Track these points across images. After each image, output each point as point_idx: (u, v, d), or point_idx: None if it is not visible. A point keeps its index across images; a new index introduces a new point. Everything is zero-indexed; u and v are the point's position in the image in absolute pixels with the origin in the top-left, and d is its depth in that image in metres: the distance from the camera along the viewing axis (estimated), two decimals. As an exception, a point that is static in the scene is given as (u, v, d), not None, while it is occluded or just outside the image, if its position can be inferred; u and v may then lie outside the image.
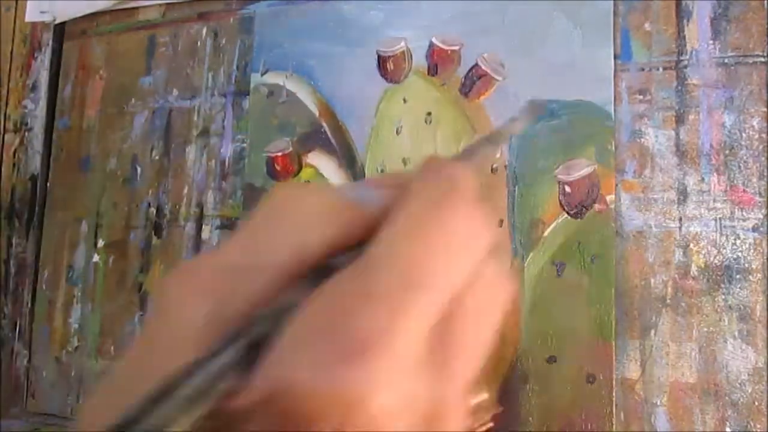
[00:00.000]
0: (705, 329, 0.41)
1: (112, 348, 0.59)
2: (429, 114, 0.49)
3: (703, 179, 0.42)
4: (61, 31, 0.67)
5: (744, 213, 0.41)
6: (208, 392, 0.13)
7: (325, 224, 0.16)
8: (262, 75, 0.56)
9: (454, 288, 0.15)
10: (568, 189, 0.44)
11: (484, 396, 0.18)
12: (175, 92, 0.60)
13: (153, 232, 0.59)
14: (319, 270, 0.15)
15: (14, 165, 0.67)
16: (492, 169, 0.47)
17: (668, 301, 0.42)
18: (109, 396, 0.15)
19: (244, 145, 0.56)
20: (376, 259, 0.14)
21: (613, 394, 0.42)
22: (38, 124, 0.66)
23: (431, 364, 0.15)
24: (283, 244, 0.15)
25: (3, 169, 0.68)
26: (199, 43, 0.60)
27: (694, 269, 0.42)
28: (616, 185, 0.44)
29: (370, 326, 0.13)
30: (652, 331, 0.42)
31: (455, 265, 0.15)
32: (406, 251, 0.14)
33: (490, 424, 0.18)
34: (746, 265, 0.41)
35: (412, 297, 0.14)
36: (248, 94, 0.56)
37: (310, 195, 0.16)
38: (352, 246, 0.15)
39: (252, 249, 0.15)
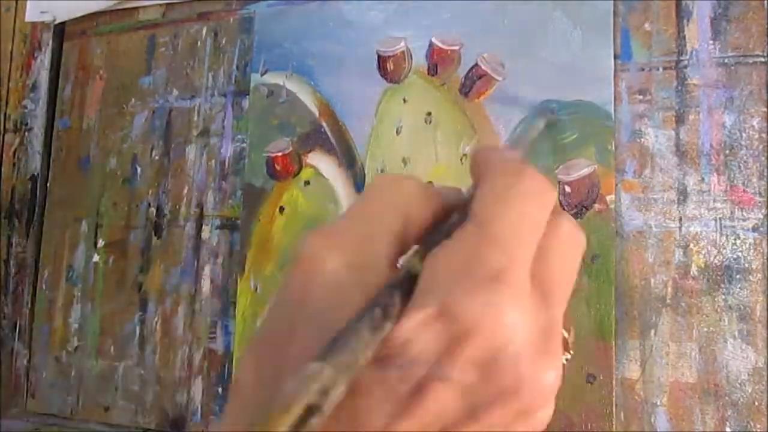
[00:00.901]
0: (705, 329, 0.41)
1: (112, 348, 0.59)
2: (429, 114, 0.49)
3: (703, 179, 0.42)
4: (61, 31, 0.67)
5: (744, 213, 0.41)
6: (382, 326, 0.17)
7: (423, 201, 0.20)
8: (262, 75, 0.56)
9: (540, 233, 0.20)
10: (568, 189, 0.44)
11: (568, 334, 0.22)
12: (175, 92, 0.60)
13: (153, 232, 0.59)
14: (424, 238, 0.20)
15: (14, 165, 0.67)
16: (492, 169, 0.47)
17: (668, 301, 0.42)
18: (269, 345, 0.19)
19: (244, 145, 0.56)
20: (486, 216, 0.19)
21: (613, 394, 0.42)
22: (38, 124, 0.66)
23: (535, 294, 0.19)
24: (394, 214, 0.20)
25: (3, 169, 0.68)
26: (199, 43, 0.60)
27: (694, 269, 0.42)
28: (616, 185, 0.44)
29: (499, 263, 0.18)
30: (652, 331, 0.42)
31: (540, 215, 0.20)
32: (504, 207, 0.19)
33: (568, 356, 0.23)
34: (746, 265, 0.41)
35: (519, 240, 0.19)
36: (248, 94, 0.56)
37: (407, 180, 0.21)
38: (438, 223, 0.20)
39: (368, 219, 0.20)
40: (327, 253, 0.19)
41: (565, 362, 0.22)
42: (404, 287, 0.18)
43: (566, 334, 0.23)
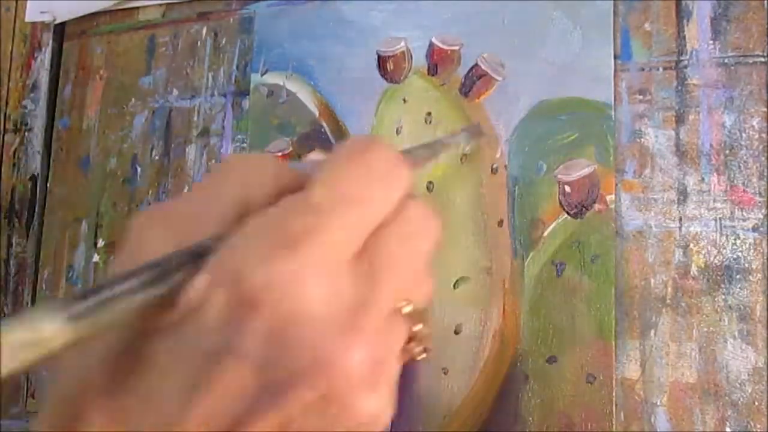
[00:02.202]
0: (705, 329, 0.41)
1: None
2: (429, 114, 0.49)
3: (703, 179, 0.42)
4: (61, 31, 0.67)
5: (744, 213, 0.41)
6: (164, 279, 0.16)
7: (267, 180, 0.19)
8: (262, 75, 0.56)
9: (378, 210, 0.19)
10: (568, 189, 0.44)
11: (420, 327, 0.20)
12: (175, 92, 0.60)
13: (153, 232, 0.59)
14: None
15: (14, 165, 0.67)
16: (492, 170, 0.47)
17: (668, 301, 0.42)
18: None
19: (244, 145, 0.56)
20: (314, 184, 0.18)
21: (613, 394, 0.42)
22: (38, 124, 0.66)
23: (359, 270, 0.18)
24: (229, 195, 0.19)
25: (3, 169, 0.68)
26: (199, 43, 0.60)
27: (694, 269, 0.42)
28: (616, 185, 0.44)
29: (304, 227, 0.17)
30: (652, 331, 0.42)
31: (379, 189, 0.19)
32: (336, 176, 0.18)
33: (424, 355, 0.21)
34: (746, 265, 0.41)
35: (338, 209, 0.18)
36: (248, 94, 0.56)
37: (254, 158, 0.20)
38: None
39: (203, 200, 0.19)
40: (151, 233, 0.18)
41: (419, 359, 0.22)
42: (201, 255, 0.17)
43: (417, 327, 0.21)
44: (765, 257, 0.40)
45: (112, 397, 0.17)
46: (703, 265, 0.41)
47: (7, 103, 0.69)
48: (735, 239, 0.41)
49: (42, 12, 0.66)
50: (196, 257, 0.17)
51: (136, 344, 0.17)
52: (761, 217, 0.41)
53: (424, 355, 0.22)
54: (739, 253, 0.41)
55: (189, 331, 0.17)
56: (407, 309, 0.20)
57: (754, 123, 0.42)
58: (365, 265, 0.18)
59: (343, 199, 0.18)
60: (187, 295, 0.17)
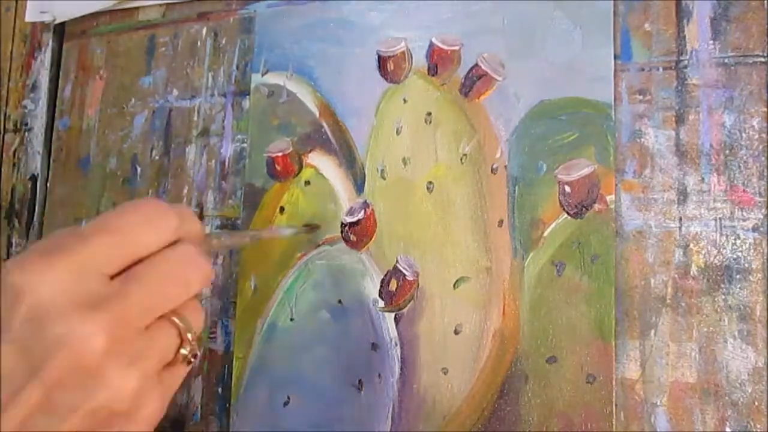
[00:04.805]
0: (705, 329, 0.41)
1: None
2: (429, 114, 0.49)
3: (703, 179, 0.42)
4: (61, 31, 0.67)
5: (744, 213, 0.41)
6: None
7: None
8: (262, 75, 0.56)
9: (135, 242, 0.24)
10: (568, 189, 0.44)
11: (190, 335, 0.26)
12: (175, 92, 0.60)
13: (153, 232, 0.59)
14: None
15: (14, 165, 0.67)
16: (492, 169, 0.47)
17: (668, 301, 0.42)
18: None
19: (245, 145, 0.56)
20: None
21: (613, 394, 0.42)
22: (38, 124, 0.66)
23: (114, 281, 0.24)
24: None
25: (3, 169, 0.68)
26: (199, 43, 0.60)
27: (694, 269, 0.42)
28: (616, 185, 0.44)
29: (63, 243, 0.23)
30: (652, 331, 0.42)
31: (137, 228, 0.25)
32: (104, 215, 0.25)
33: (194, 360, 0.27)
34: (746, 265, 0.41)
35: (96, 235, 0.24)
36: (248, 94, 0.56)
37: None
38: None
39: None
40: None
41: (188, 364, 0.27)
42: None
43: (186, 350, 0.27)
44: (765, 257, 0.40)
45: None
46: (703, 265, 0.41)
47: (7, 103, 0.69)
48: (735, 239, 0.41)
49: (42, 12, 0.66)
50: None
51: None
52: (761, 217, 0.41)
53: (193, 360, 0.27)
54: (739, 253, 0.41)
55: None
56: (177, 321, 0.26)
57: (754, 123, 0.42)
58: (121, 280, 0.24)
59: (102, 229, 0.24)
60: None
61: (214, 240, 0.34)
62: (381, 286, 0.49)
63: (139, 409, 0.23)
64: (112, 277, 0.24)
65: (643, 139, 0.44)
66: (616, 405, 0.42)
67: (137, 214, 0.25)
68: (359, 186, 0.51)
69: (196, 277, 0.26)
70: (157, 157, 0.60)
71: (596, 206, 0.44)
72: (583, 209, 0.44)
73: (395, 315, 0.48)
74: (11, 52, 0.69)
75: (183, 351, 0.26)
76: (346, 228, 0.51)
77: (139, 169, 0.61)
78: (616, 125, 0.44)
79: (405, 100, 0.50)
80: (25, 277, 0.22)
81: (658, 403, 0.41)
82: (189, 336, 0.26)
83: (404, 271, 0.48)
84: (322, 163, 0.53)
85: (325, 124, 0.53)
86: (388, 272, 0.49)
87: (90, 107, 0.64)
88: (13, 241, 0.66)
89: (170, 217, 0.26)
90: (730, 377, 0.40)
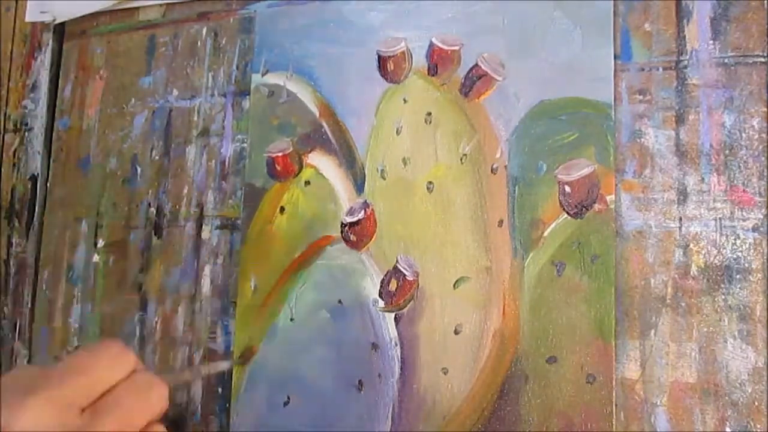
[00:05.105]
0: (705, 329, 0.41)
1: (112, 348, 0.58)
2: (429, 114, 0.49)
3: (703, 179, 0.42)
4: (61, 31, 0.67)
5: (744, 213, 0.41)
6: None
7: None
8: (262, 75, 0.56)
9: (101, 379, 0.29)
10: (568, 189, 0.44)
11: None
12: (175, 92, 0.60)
13: (153, 232, 0.59)
14: None
15: (14, 165, 0.67)
16: (492, 169, 0.47)
17: (668, 301, 0.42)
18: None
19: (245, 145, 0.56)
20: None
21: (613, 394, 0.42)
22: (38, 124, 0.66)
23: (85, 414, 0.28)
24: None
25: (3, 169, 0.68)
26: (199, 43, 0.60)
27: (694, 269, 0.42)
28: (616, 185, 0.44)
29: (36, 385, 0.27)
30: (652, 331, 0.42)
31: (102, 366, 0.29)
32: (71, 358, 0.30)
33: None
34: (746, 265, 0.41)
35: (66, 375, 0.28)
36: (248, 94, 0.56)
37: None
38: None
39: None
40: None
41: None
42: None
43: None
44: (765, 257, 0.40)
45: None
46: (703, 265, 0.41)
47: (7, 103, 0.69)
48: (735, 239, 0.41)
49: (42, 12, 0.66)
50: None
51: None
52: (761, 217, 0.41)
53: None
54: (739, 253, 0.41)
55: None
56: None
57: (754, 123, 0.42)
58: (91, 412, 0.28)
59: (76, 370, 0.28)
60: None
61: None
62: (381, 286, 0.49)
63: None
64: (83, 410, 0.28)
65: (643, 139, 0.44)
66: (616, 405, 0.42)
67: (103, 356, 0.30)
68: (359, 186, 0.51)
69: (157, 399, 0.30)
70: (157, 157, 0.60)
71: (596, 206, 0.44)
72: (583, 209, 0.44)
73: (395, 315, 0.48)
74: (11, 52, 0.69)
75: None
76: (346, 228, 0.51)
77: (139, 169, 0.61)
78: (616, 125, 0.44)
79: (405, 100, 0.50)
80: (7, 412, 0.25)
81: (658, 403, 0.41)
82: None
83: (404, 271, 0.48)
84: (322, 163, 0.53)
85: (325, 124, 0.53)
86: (388, 272, 0.49)
87: (90, 107, 0.64)
88: (13, 241, 0.66)
89: (129, 354, 0.31)
90: (730, 377, 0.40)
